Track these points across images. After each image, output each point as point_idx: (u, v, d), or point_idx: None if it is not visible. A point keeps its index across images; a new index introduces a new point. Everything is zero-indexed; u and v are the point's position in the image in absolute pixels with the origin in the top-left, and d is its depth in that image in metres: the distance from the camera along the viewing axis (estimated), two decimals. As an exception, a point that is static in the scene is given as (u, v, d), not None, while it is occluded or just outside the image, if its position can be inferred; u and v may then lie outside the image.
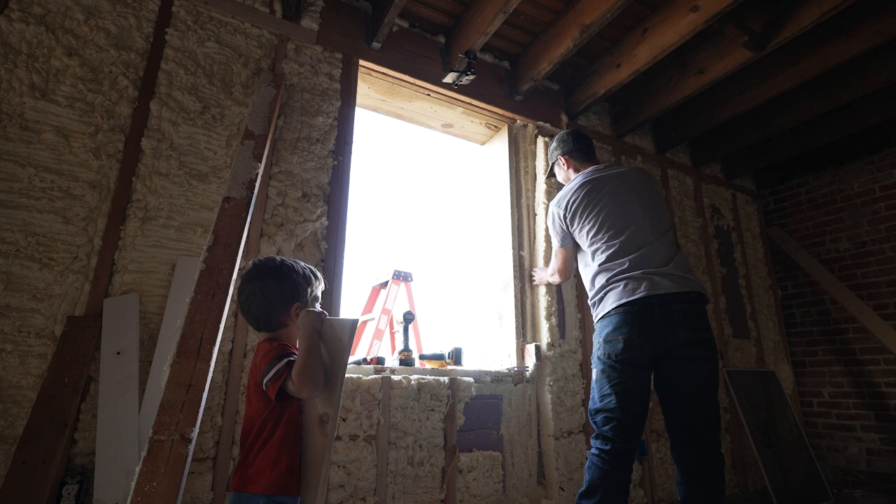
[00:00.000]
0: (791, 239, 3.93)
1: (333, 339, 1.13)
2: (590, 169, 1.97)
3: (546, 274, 2.37)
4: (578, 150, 2.08)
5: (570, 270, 2.04)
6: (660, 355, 1.61)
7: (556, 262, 2.08)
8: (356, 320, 1.15)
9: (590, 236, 1.81)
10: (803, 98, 3.05)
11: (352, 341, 1.12)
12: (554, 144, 2.20)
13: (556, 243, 2.03)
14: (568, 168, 2.09)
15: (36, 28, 1.72)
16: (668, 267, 1.65)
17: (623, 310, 1.61)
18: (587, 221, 1.82)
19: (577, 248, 1.97)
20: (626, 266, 1.67)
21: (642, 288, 1.59)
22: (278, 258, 1.25)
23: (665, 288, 1.59)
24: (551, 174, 2.30)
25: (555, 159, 2.18)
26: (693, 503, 1.54)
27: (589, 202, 1.83)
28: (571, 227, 1.89)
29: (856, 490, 3.19)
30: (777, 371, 3.54)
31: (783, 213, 4.04)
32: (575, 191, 1.89)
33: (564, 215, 1.90)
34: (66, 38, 1.76)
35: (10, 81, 1.64)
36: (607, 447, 1.56)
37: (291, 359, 1.12)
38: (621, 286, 1.64)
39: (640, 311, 1.58)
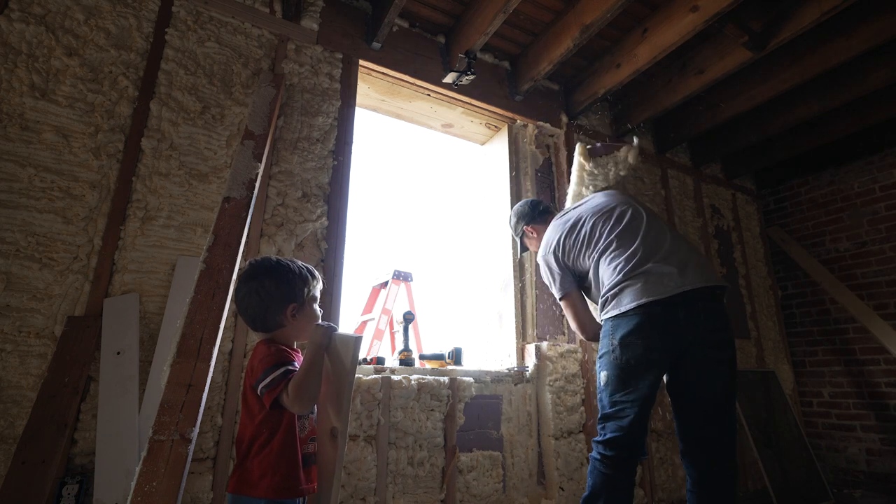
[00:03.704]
0: (791, 239, 3.93)
1: (339, 355, 1.13)
2: (561, 215, 1.91)
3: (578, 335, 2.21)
4: (539, 214, 2.06)
5: (585, 319, 1.79)
6: (681, 355, 1.51)
7: (568, 316, 1.86)
8: (360, 337, 1.15)
9: (591, 250, 1.71)
10: (803, 98, 3.05)
11: (356, 358, 1.11)
12: (514, 220, 2.14)
13: (558, 293, 1.82)
14: (537, 235, 2.04)
15: (36, 28, 1.72)
16: (681, 253, 1.55)
17: (644, 311, 1.48)
18: (583, 241, 1.73)
19: (580, 287, 1.82)
20: (639, 257, 1.54)
21: (664, 285, 1.47)
22: (274, 258, 1.23)
23: (689, 283, 1.47)
24: (524, 249, 2.19)
25: (521, 234, 2.11)
26: None
27: (574, 229, 1.76)
28: (569, 261, 1.78)
29: (856, 490, 3.19)
30: (777, 371, 3.54)
31: (783, 213, 4.04)
32: (556, 233, 1.82)
33: (558, 255, 1.79)
34: (66, 38, 1.76)
35: (10, 81, 1.64)
36: (611, 453, 1.49)
37: (290, 368, 1.11)
38: (640, 283, 1.50)
39: (664, 313, 1.47)
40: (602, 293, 1.63)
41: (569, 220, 1.82)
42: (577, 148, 2.03)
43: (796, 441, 3.18)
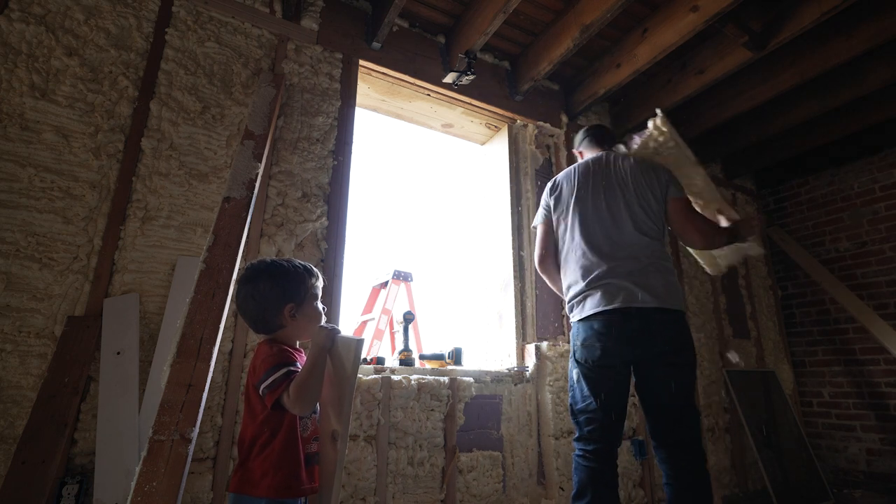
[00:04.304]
0: (791, 239, 3.93)
1: (341, 358, 1.12)
2: (589, 157, 1.91)
3: None
4: (588, 138, 2.03)
5: (545, 254, 1.87)
6: (639, 361, 1.62)
7: (536, 242, 1.94)
8: (362, 340, 1.14)
9: (569, 232, 1.77)
10: (803, 98, 3.05)
11: (358, 361, 1.10)
12: (574, 147, 2.15)
13: (535, 221, 1.94)
14: (581, 159, 2.03)
15: (36, 28, 1.72)
16: (647, 276, 1.61)
17: (602, 317, 1.61)
18: (568, 214, 1.78)
19: (553, 231, 1.88)
20: (605, 270, 1.64)
21: (620, 297, 1.59)
22: (269, 259, 1.23)
23: (643, 301, 1.57)
24: None
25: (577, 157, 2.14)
26: (681, 503, 1.55)
27: (573, 194, 1.79)
28: (550, 207, 1.86)
29: (856, 490, 3.19)
30: (777, 371, 3.54)
31: (783, 213, 4.04)
32: (566, 179, 1.86)
33: (549, 197, 1.89)
34: (66, 38, 1.76)
35: (10, 81, 1.64)
36: (590, 447, 1.59)
37: (292, 369, 1.10)
38: (599, 293, 1.63)
39: (619, 320, 1.58)
40: (568, 298, 1.75)
41: (578, 183, 1.80)
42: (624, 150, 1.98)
43: (796, 441, 3.18)
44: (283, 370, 1.09)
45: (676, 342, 1.61)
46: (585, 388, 1.63)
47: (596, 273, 1.65)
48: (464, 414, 2.20)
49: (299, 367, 1.14)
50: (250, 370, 1.15)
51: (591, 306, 1.64)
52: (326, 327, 1.15)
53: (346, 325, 3.89)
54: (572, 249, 1.75)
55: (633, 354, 1.60)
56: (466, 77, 2.52)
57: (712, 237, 1.73)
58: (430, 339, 4.00)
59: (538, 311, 2.65)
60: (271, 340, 1.18)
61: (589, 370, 1.63)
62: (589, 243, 1.71)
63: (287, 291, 1.18)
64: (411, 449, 2.03)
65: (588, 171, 1.83)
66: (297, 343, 1.25)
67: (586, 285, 1.67)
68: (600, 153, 1.91)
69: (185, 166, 1.86)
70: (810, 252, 3.80)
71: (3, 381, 1.45)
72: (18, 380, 1.47)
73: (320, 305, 1.25)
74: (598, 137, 2.01)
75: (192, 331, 1.32)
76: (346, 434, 1.09)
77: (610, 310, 1.59)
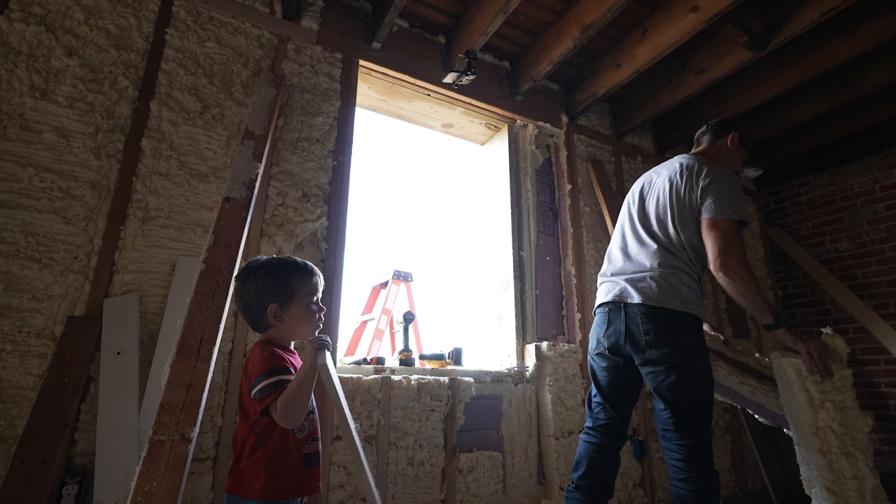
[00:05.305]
0: (791, 239, 3.93)
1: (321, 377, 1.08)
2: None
3: None
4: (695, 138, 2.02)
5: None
6: (633, 356, 1.64)
7: None
8: (324, 364, 1.05)
9: (620, 223, 1.90)
10: (803, 98, 3.05)
11: (331, 381, 1.05)
12: None
13: None
14: None
15: (36, 28, 1.72)
16: (645, 277, 1.63)
17: (599, 310, 1.77)
18: (623, 211, 1.90)
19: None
20: (613, 270, 1.77)
21: (613, 293, 1.70)
22: (264, 257, 1.20)
23: (630, 298, 1.63)
24: None
25: None
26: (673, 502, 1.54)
27: (632, 192, 1.90)
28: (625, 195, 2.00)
29: (856, 490, 3.18)
30: (777, 371, 3.53)
31: (783, 213, 4.03)
32: (645, 175, 1.95)
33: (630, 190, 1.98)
34: (66, 38, 1.76)
35: (10, 81, 1.64)
36: (591, 423, 1.71)
37: (283, 378, 1.07)
38: (600, 289, 1.80)
39: (609, 312, 1.70)
40: None
41: (634, 188, 1.89)
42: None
43: (796, 441, 3.17)
44: (274, 378, 1.06)
45: (664, 341, 1.56)
46: (591, 376, 1.79)
47: (607, 271, 1.80)
48: (464, 414, 2.20)
49: (292, 371, 1.11)
50: (244, 371, 1.13)
51: (596, 301, 1.82)
52: (316, 341, 1.09)
53: (346, 326, 3.90)
54: (608, 251, 1.89)
55: (628, 349, 1.65)
56: (466, 77, 2.52)
57: (736, 274, 1.54)
58: (430, 339, 4.01)
59: (538, 312, 2.65)
60: (265, 341, 1.16)
61: (591, 359, 1.79)
62: (616, 244, 1.83)
63: (271, 291, 1.14)
64: (411, 449, 2.03)
65: (653, 171, 1.90)
66: (292, 344, 1.22)
67: (601, 277, 1.83)
68: (681, 155, 1.88)
69: (185, 166, 1.86)
70: (810, 252, 3.80)
71: (3, 381, 1.45)
72: (18, 380, 1.47)
73: (315, 305, 1.19)
74: (696, 137, 1.97)
75: (192, 331, 1.32)
76: (352, 444, 1.07)
77: (603, 303, 1.74)
